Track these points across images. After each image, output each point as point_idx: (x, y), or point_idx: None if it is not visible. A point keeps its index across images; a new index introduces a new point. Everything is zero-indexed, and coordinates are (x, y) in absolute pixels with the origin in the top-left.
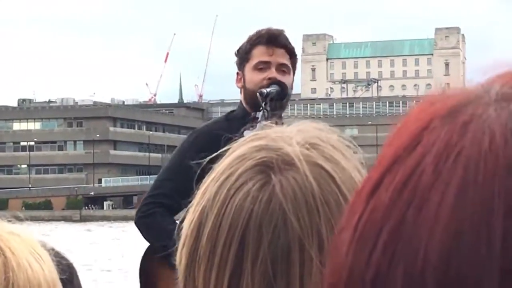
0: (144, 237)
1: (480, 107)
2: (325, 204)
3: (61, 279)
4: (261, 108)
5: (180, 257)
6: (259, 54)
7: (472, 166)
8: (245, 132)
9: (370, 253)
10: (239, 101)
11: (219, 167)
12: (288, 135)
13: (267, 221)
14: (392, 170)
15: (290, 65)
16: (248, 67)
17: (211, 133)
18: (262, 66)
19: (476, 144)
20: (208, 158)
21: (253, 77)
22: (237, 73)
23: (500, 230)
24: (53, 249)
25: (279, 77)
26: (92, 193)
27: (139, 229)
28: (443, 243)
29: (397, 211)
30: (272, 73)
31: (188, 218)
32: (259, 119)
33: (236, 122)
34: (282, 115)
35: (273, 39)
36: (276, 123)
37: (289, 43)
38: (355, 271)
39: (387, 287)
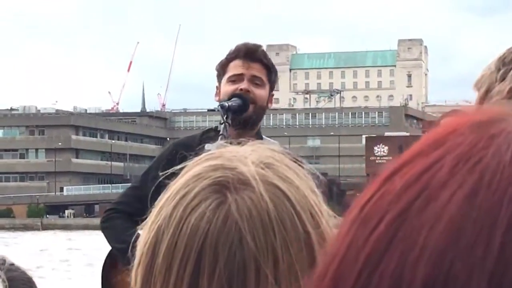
0: (108, 242)
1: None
2: (280, 223)
3: None
4: (222, 121)
5: (136, 276)
6: (233, 67)
7: (489, 173)
8: (206, 146)
9: (370, 232)
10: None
11: (175, 186)
12: (243, 155)
13: (223, 240)
14: (412, 162)
15: (265, 79)
16: (224, 80)
17: (185, 144)
18: (235, 79)
19: (498, 155)
20: (163, 174)
21: (226, 89)
22: (216, 87)
23: (500, 238)
24: (12, 264)
25: (252, 88)
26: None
27: (104, 235)
28: (442, 237)
29: (406, 198)
30: (244, 84)
31: (144, 237)
32: (220, 132)
33: (212, 135)
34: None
35: (249, 54)
36: (231, 143)
37: (266, 58)
38: (352, 247)
39: (379, 268)
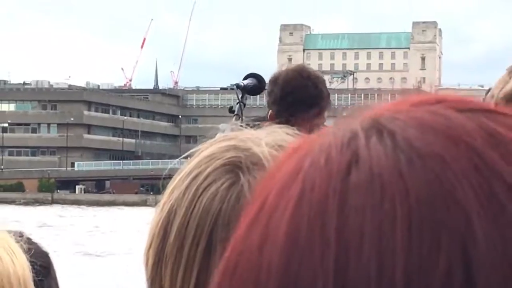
0: None
1: (318, 140)
2: None
3: (39, 266)
4: (237, 101)
5: (147, 257)
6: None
7: (309, 177)
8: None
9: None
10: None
11: (188, 167)
12: (257, 137)
13: (235, 220)
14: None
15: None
16: None
17: None
18: None
19: (313, 162)
20: (181, 158)
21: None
22: None
23: (333, 229)
24: (29, 239)
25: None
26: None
27: None
28: (283, 249)
29: (249, 238)
30: None
31: (156, 217)
32: (235, 112)
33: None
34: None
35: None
36: (248, 126)
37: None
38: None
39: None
